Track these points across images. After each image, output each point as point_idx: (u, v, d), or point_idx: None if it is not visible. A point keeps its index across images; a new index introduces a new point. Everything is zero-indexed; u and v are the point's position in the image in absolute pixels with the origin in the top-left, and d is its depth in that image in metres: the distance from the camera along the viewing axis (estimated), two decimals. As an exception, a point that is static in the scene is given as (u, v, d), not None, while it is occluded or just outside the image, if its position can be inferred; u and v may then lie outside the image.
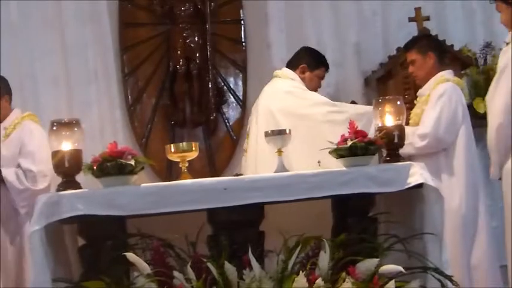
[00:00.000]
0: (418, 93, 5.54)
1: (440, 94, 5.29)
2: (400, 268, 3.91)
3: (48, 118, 4.46)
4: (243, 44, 6.74)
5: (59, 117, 4.33)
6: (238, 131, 6.63)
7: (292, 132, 4.42)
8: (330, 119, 5.18)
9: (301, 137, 4.96)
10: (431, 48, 5.51)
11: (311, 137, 5.01)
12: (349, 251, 3.97)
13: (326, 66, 5.75)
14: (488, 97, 4.67)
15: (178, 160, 4.41)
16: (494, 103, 4.47)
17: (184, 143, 4.44)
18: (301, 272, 3.87)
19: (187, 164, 4.39)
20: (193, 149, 4.38)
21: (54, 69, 6.33)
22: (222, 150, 6.66)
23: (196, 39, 6.59)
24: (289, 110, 5.30)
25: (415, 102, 5.56)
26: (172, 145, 4.41)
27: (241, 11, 6.76)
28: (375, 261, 3.93)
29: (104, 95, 6.40)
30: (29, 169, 5.33)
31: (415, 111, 5.42)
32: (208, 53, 6.56)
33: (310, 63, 5.64)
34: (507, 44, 4.50)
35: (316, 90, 5.66)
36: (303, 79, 5.59)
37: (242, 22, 6.75)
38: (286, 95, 5.42)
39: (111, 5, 6.55)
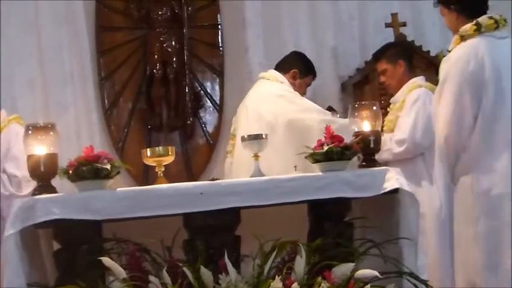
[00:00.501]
0: (391, 100, 5.59)
1: (415, 100, 5.35)
2: (376, 273, 3.92)
3: (24, 121, 4.42)
4: (220, 48, 6.74)
5: (35, 120, 4.31)
6: (215, 136, 6.63)
7: (283, 137, 4.43)
8: (322, 128, 5.13)
9: (292, 141, 4.96)
10: (400, 55, 5.56)
11: (303, 142, 4.96)
12: (325, 255, 3.97)
13: (314, 74, 5.78)
14: (432, 107, 4.68)
15: (154, 164, 4.41)
16: (439, 113, 4.43)
17: (160, 148, 4.43)
18: (277, 276, 3.87)
19: (163, 169, 4.38)
20: (170, 153, 4.38)
21: (31, 72, 6.29)
22: (198, 155, 6.65)
23: (173, 43, 6.58)
24: (282, 113, 5.27)
25: (388, 109, 5.59)
26: (148, 149, 4.40)
27: (218, 15, 6.76)
28: (351, 265, 3.94)
29: (80, 98, 6.36)
30: (13, 174, 5.22)
31: (388, 117, 5.47)
32: (185, 58, 6.56)
33: (301, 69, 5.66)
34: (449, 51, 4.48)
35: None
36: (292, 84, 5.57)
37: (219, 27, 6.75)
38: (278, 98, 5.39)
39: (88, 8, 6.52)
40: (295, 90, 5.56)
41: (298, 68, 5.62)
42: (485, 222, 4.29)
